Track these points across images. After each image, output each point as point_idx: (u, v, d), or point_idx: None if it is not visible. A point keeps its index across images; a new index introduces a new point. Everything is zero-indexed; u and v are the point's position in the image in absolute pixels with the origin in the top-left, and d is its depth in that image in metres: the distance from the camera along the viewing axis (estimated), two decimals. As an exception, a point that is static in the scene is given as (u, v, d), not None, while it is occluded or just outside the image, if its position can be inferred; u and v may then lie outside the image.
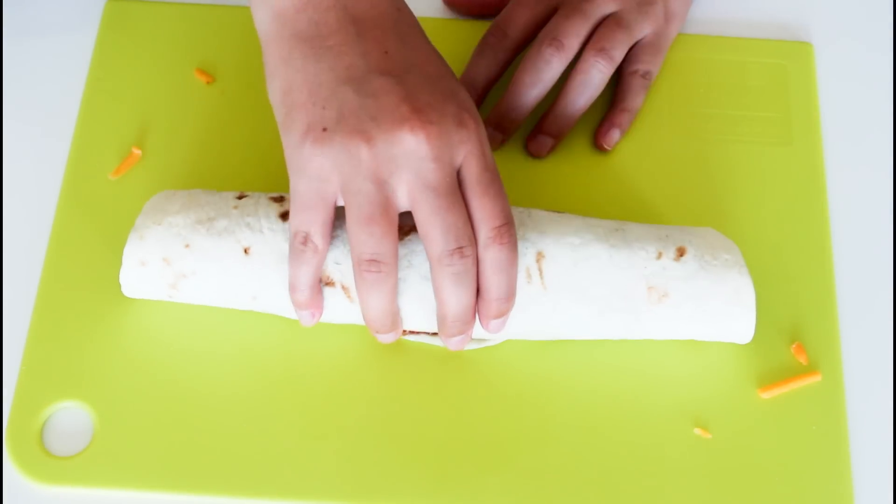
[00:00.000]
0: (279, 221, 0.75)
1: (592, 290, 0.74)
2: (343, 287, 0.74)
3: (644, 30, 0.85)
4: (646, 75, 0.85)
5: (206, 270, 0.74)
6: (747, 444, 0.75)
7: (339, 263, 0.74)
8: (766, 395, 0.76)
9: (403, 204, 0.70)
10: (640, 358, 0.77)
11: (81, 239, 0.79)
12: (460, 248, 0.70)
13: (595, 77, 0.83)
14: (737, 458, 0.74)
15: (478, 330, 0.75)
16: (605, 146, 0.84)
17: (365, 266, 0.71)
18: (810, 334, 0.78)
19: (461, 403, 0.75)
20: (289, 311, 0.75)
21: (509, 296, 0.73)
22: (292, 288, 0.73)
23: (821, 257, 0.81)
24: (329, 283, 0.74)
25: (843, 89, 0.88)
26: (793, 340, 0.78)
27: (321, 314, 0.75)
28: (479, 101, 0.84)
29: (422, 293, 0.74)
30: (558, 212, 0.77)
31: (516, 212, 0.76)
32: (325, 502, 0.73)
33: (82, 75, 0.86)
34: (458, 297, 0.72)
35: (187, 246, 0.75)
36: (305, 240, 0.71)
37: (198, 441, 0.74)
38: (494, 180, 0.71)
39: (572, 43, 0.83)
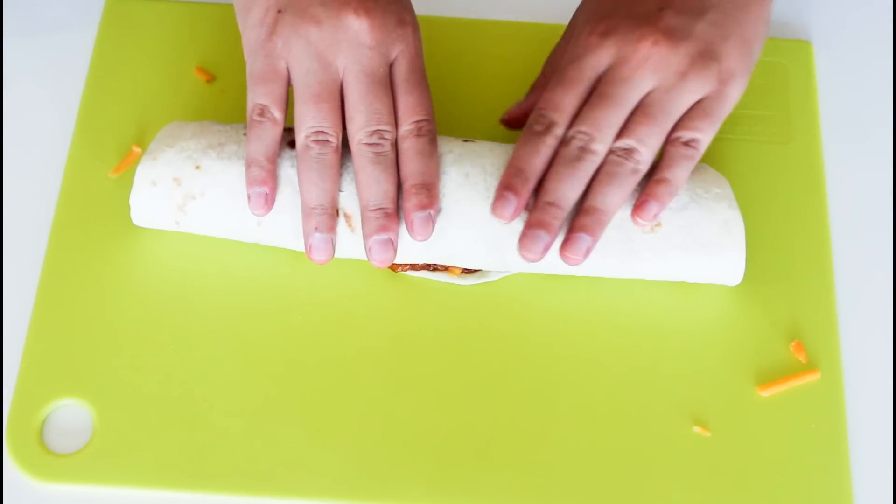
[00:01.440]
0: (287, 149, 0.76)
1: None
2: (346, 215, 0.76)
3: (689, 99, 0.75)
4: (690, 143, 0.75)
5: (214, 192, 0.76)
6: (746, 442, 0.75)
7: (342, 191, 0.76)
8: (765, 394, 0.76)
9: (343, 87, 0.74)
10: (640, 348, 0.77)
11: (81, 237, 0.79)
12: (380, 130, 0.74)
13: (621, 174, 0.74)
14: (736, 455, 0.74)
15: (475, 262, 0.77)
16: (641, 221, 0.75)
17: (313, 137, 0.74)
18: (810, 332, 0.78)
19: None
20: (292, 241, 0.77)
21: (429, 185, 0.75)
22: (249, 163, 0.75)
23: (820, 255, 0.81)
24: None
25: (842, 88, 0.88)
26: (792, 338, 0.78)
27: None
28: (529, 193, 0.75)
29: None
30: None
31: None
32: (329, 499, 0.73)
33: (82, 75, 0.86)
34: (377, 181, 0.74)
35: (198, 167, 0.77)
36: (263, 112, 0.75)
37: (197, 438, 0.74)
38: (421, 81, 0.76)
39: (604, 135, 0.74)
